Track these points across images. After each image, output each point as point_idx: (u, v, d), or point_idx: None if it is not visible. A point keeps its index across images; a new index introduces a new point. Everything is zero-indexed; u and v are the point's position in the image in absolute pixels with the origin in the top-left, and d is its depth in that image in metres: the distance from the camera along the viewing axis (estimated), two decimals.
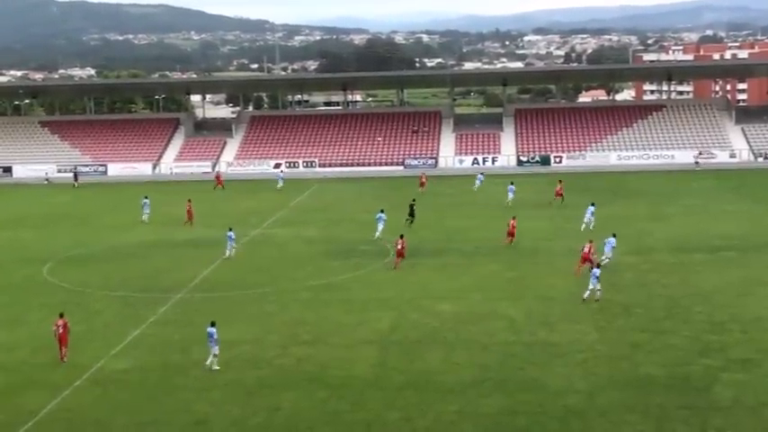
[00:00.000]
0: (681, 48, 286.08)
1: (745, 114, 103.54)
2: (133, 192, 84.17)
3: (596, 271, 41.44)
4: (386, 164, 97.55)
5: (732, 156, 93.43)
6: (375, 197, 76.92)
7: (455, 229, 60.11)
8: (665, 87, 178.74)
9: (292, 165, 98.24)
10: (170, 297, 44.14)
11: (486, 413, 29.02)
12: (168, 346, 36.33)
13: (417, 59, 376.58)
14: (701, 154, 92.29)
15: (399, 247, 49.64)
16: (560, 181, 72.08)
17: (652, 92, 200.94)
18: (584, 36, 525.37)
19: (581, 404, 29.45)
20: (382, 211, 58.45)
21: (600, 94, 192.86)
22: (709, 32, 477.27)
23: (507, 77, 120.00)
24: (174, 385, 32.01)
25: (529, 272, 47.86)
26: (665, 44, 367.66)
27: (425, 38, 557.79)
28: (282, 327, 38.61)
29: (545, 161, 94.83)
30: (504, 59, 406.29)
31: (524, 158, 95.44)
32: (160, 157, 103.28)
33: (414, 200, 65.92)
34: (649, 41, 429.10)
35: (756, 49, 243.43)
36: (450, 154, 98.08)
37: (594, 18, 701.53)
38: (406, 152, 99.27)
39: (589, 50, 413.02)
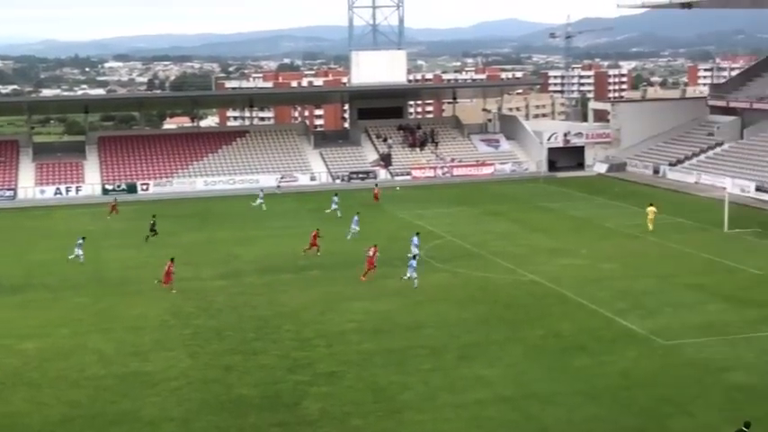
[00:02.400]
0: (261, 75, 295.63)
1: (323, 139, 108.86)
2: None
3: (413, 262, 48.10)
4: None
5: (312, 179, 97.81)
6: None
7: (37, 263, 57.34)
8: (247, 113, 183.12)
9: None
10: None
11: None
12: None
13: None
14: (283, 178, 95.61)
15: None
16: (377, 184, 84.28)
17: (235, 118, 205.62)
18: (167, 63, 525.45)
19: None
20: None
21: (185, 121, 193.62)
22: (287, 61, 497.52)
23: (89, 104, 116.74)
24: None
25: (118, 303, 46.81)
26: (246, 71, 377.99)
27: None
28: None
29: (131, 189, 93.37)
30: (85, 86, 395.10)
31: (110, 186, 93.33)
32: None
33: (154, 215, 66.82)
34: (231, 69, 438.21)
35: (330, 77, 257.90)
36: (30, 184, 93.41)
37: (176, 45, 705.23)
38: None
39: (172, 77, 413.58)
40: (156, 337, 40.10)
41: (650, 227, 64.30)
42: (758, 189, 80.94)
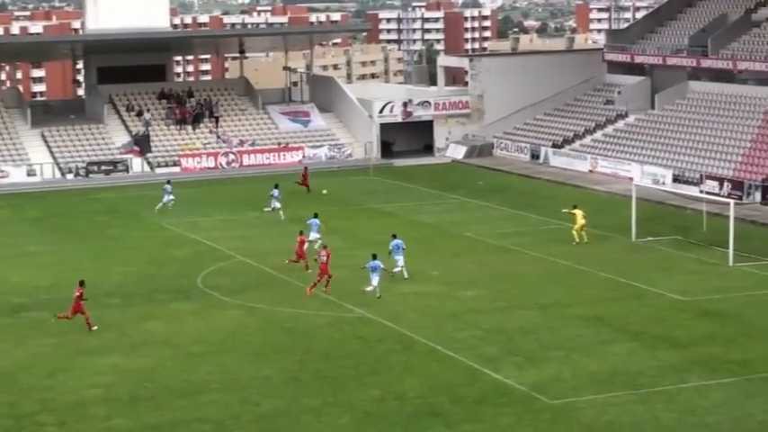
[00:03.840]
0: None
1: (46, 114, 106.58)
2: None
3: (377, 265, 52.79)
4: None
5: (31, 173, 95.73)
6: None
7: None
8: None
9: None
10: None
11: None
12: None
13: None
14: None
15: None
16: (306, 167, 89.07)
17: None
18: None
19: None
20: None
21: None
22: None
23: None
24: None
25: None
26: None
27: None
28: None
29: None
30: None
31: None
32: None
33: None
34: None
35: (55, 21, 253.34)
36: None
37: None
38: None
39: None
40: None
41: (584, 238, 65.40)
42: (676, 179, 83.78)
